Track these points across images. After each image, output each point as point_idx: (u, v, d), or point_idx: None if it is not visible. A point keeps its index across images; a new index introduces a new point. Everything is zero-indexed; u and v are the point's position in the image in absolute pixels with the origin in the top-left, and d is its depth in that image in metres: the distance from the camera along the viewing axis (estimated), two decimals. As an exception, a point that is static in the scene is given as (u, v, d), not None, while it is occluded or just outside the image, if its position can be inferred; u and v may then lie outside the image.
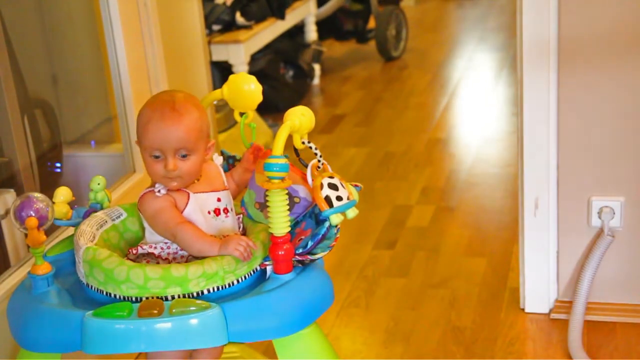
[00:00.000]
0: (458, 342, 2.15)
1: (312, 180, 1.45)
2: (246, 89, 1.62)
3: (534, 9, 2.03)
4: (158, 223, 1.50)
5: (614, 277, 2.17)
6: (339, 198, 1.43)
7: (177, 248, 1.51)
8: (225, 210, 1.55)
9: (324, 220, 1.43)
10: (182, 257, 1.51)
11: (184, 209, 1.50)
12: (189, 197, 1.50)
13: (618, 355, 2.05)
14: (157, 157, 1.48)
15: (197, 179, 1.53)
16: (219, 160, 1.62)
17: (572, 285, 2.18)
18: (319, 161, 1.47)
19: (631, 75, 2.03)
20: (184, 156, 1.48)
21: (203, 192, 1.53)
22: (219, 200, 1.54)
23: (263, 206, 1.53)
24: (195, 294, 1.40)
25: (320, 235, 1.43)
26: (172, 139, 1.46)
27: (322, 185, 1.42)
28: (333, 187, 1.43)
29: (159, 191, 1.49)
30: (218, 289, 1.42)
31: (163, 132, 1.46)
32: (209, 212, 1.52)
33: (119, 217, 1.61)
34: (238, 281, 1.44)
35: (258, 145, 1.63)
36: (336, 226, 1.44)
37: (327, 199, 1.41)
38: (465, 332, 2.19)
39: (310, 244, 1.43)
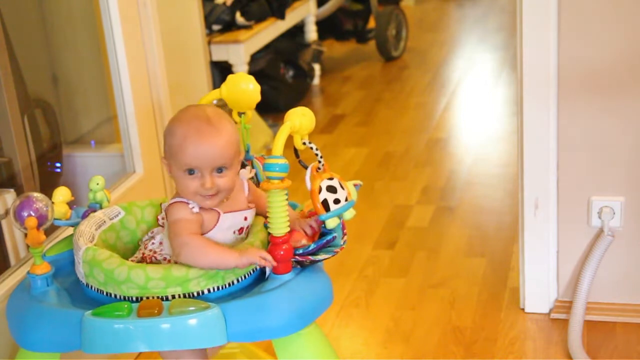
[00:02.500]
0: (458, 342, 2.15)
1: (311, 183, 1.45)
2: (245, 89, 1.62)
3: (535, 6, 2.03)
4: (173, 230, 1.46)
5: (614, 277, 2.17)
6: (336, 201, 1.43)
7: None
8: (247, 227, 1.54)
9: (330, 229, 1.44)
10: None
11: (212, 228, 1.48)
12: (219, 217, 1.48)
13: (618, 355, 2.05)
14: (191, 173, 1.44)
15: (226, 199, 1.50)
16: (244, 175, 1.56)
17: (572, 285, 2.18)
18: (319, 162, 1.47)
19: (632, 75, 2.03)
20: (219, 171, 1.45)
21: (232, 211, 1.50)
22: (245, 219, 1.52)
23: None
24: (195, 294, 1.40)
25: (325, 241, 1.43)
26: (211, 156, 1.42)
27: (320, 189, 1.42)
28: (331, 189, 1.43)
29: (192, 207, 1.46)
30: (218, 288, 1.42)
31: (202, 149, 1.42)
32: (233, 232, 1.51)
33: (117, 215, 1.61)
34: (238, 280, 1.44)
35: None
36: (343, 237, 1.44)
37: (325, 203, 1.42)
38: (465, 332, 2.19)
39: (312, 246, 1.43)
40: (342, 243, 1.44)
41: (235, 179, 1.49)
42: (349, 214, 1.45)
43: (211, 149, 1.42)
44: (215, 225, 1.48)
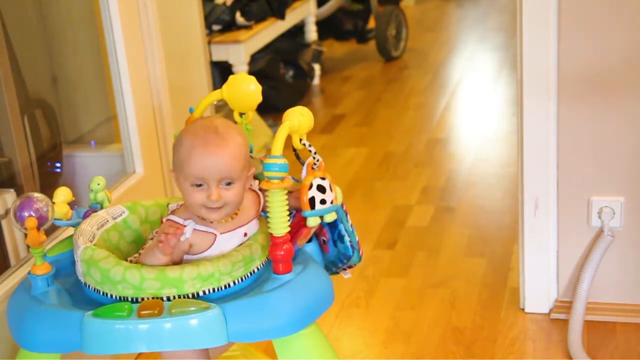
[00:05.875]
0: (458, 342, 2.15)
1: (305, 178, 1.46)
2: (246, 90, 1.62)
3: (535, 6, 2.03)
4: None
5: (614, 277, 2.17)
6: (322, 201, 1.43)
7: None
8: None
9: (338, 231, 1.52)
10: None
11: (207, 249, 1.46)
12: (215, 239, 1.46)
13: (618, 355, 2.05)
14: (198, 185, 1.42)
15: (232, 217, 1.48)
16: (255, 184, 1.55)
17: (572, 285, 2.19)
18: (314, 158, 1.47)
19: (632, 75, 2.03)
20: (227, 184, 1.42)
21: (231, 230, 1.48)
22: (245, 235, 1.50)
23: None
24: (190, 296, 1.40)
25: (346, 260, 1.55)
26: (217, 167, 1.40)
27: (311, 186, 1.43)
28: (321, 189, 1.44)
29: (185, 232, 1.44)
30: (214, 290, 1.41)
31: (208, 160, 1.40)
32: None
33: (120, 215, 1.61)
34: (234, 283, 1.43)
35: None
36: (359, 253, 1.54)
37: (312, 200, 1.42)
38: (465, 332, 2.19)
39: (339, 265, 1.56)
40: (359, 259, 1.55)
41: (244, 194, 1.46)
42: (330, 217, 1.46)
43: (218, 161, 1.40)
44: (210, 246, 1.47)
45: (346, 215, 1.53)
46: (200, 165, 1.41)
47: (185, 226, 1.45)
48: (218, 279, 1.41)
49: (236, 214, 1.49)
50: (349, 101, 4.29)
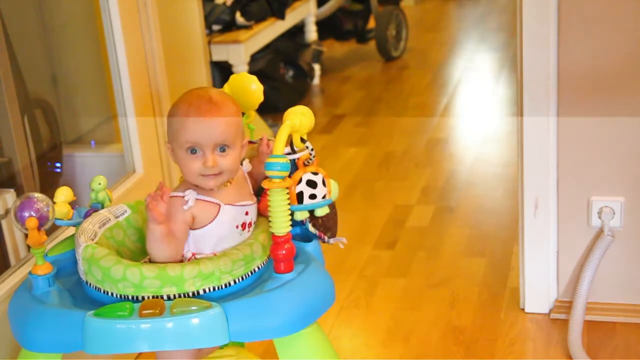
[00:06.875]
0: (458, 342, 2.15)
1: (295, 172, 1.46)
2: (248, 89, 1.62)
3: (535, 6, 2.03)
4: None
5: (614, 277, 2.17)
6: (312, 196, 1.44)
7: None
8: (250, 225, 1.52)
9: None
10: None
11: (212, 220, 1.47)
12: (219, 208, 1.47)
13: (618, 355, 2.05)
14: (193, 152, 1.44)
15: (229, 182, 1.49)
16: (247, 166, 1.58)
17: (572, 285, 2.19)
18: (310, 154, 1.47)
19: (632, 75, 2.03)
20: (222, 151, 1.44)
21: (234, 204, 1.48)
22: (247, 214, 1.51)
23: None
24: (190, 294, 1.40)
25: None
26: (212, 132, 1.42)
27: (300, 180, 1.43)
28: (311, 184, 1.44)
29: (186, 202, 1.45)
30: (214, 289, 1.41)
31: (202, 125, 1.42)
32: (237, 227, 1.49)
33: (123, 214, 1.61)
34: (235, 282, 1.44)
35: (266, 137, 1.61)
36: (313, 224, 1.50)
37: (300, 195, 1.43)
38: (465, 332, 2.19)
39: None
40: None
41: (238, 162, 1.48)
42: (321, 211, 1.46)
43: (212, 126, 1.42)
44: (216, 217, 1.47)
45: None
46: (195, 131, 1.42)
47: (184, 196, 1.45)
48: (218, 277, 1.41)
49: (233, 179, 1.49)
50: (349, 101, 4.29)
